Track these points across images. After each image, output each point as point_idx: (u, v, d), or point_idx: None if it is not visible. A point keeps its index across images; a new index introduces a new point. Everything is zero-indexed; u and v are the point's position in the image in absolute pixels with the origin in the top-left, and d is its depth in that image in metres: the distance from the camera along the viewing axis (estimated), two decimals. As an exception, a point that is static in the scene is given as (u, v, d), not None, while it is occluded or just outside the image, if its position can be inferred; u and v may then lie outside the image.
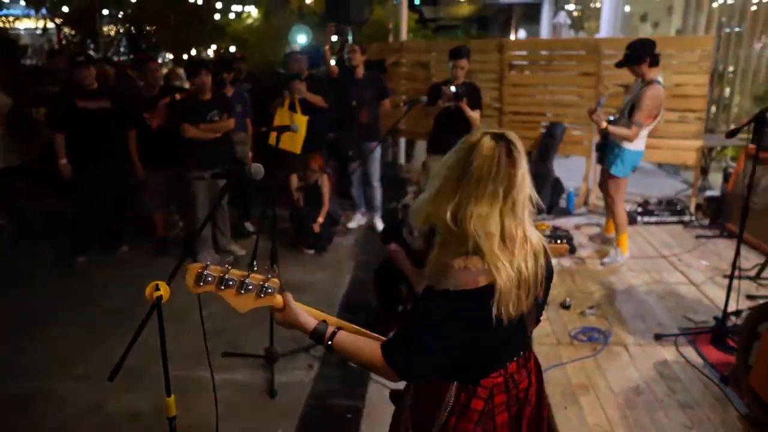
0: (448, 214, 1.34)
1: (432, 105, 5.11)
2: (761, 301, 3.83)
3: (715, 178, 6.59)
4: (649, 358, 3.34)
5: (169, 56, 16.48)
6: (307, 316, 1.51)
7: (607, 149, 4.62)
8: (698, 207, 5.98)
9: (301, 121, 5.18)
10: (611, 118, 4.69)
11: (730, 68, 8.19)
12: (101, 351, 3.65)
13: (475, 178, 1.33)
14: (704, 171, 6.37)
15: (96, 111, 4.80)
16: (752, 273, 4.28)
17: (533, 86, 6.84)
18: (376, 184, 5.86)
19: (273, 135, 3.47)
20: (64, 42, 13.71)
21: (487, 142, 1.36)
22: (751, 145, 5.18)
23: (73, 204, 5.16)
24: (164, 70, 10.64)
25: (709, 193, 6.06)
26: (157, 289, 1.80)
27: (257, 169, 1.92)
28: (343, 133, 5.83)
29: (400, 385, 1.62)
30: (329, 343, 1.46)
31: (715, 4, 8.29)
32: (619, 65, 4.60)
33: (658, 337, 3.52)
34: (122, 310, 4.19)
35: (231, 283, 1.46)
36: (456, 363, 1.40)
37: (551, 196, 6.36)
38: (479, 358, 1.43)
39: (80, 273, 4.98)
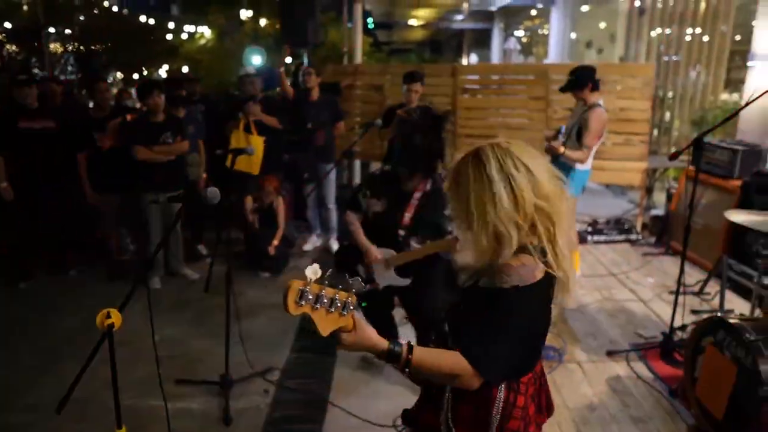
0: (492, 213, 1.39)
1: (386, 128, 5.17)
2: (705, 316, 4.02)
3: (659, 198, 6.88)
4: (602, 374, 3.42)
5: (119, 75, 16.13)
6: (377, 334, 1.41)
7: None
8: (644, 226, 6.22)
9: (257, 142, 5.14)
10: (561, 137, 4.86)
11: (670, 94, 8.61)
12: (53, 379, 3.49)
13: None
14: (648, 191, 6.64)
15: (40, 131, 4.64)
16: (696, 289, 4.45)
17: (485, 109, 7.01)
18: (332, 206, 5.86)
19: (229, 157, 3.43)
20: (6, 59, 13.26)
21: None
22: (691, 167, 5.47)
23: (16, 227, 4.94)
24: (114, 90, 10.41)
25: (653, 212, 6.31)
26: (108, 317, 1.75)
27: (213, 193, 1.90)
28: (299, 155, 5.82)
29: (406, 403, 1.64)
30: (408, 358, 1.36)
31: (653, 34, 8.74)
32: (562, 90, 4.78)
33: (611, 354, 3.61)
34: (74, 336, 4.02)
35: (325, 301, 1.30)
36: (522, 358, 1.47)
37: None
38: (536, 351, 1.53)
39: (28, 298, 4.75)
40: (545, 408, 1.64)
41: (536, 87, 6.59)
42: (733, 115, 3.56)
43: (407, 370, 1.38)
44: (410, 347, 1.38)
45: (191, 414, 3.25)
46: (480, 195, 1.40)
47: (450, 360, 1.38)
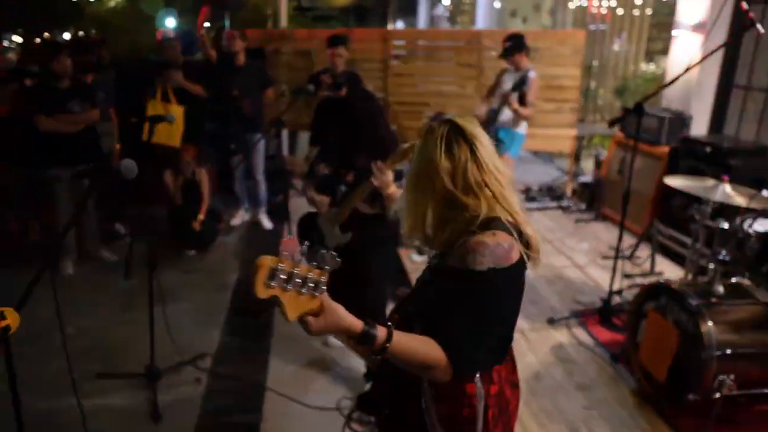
0: (448, 181, 1.31)
1: (317, 95, 4.90)
2: (637, 279, 4.11)
3: (587, 165, 7.01)
4: (545, 342, 3.41)
5: (18, 39, 14.68)
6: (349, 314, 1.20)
7: (496, 136, 4.79)
8: (574, 192, 6.32)
9: (177, 112, 4.73)
10: (494, 106, 4.86)
11: (595, 62, 8.79)
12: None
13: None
14: (576, 158, 6.74)
15: None
16: (627, 253, 4.54)
17: (416, 76, 6.84)
18: (260, 177, 5.55)
19: (146, 126, 3.06)
20: None
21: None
22: (619, 134, 5.57)
23: None
24: (10, 56, 9.42)
25: (582, 178, 6.42)
26: (2, 317, 1.46)
27: (129, 166, 1.63)
28: (224, 125, 5.44)
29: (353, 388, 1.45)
30: (386, 346, 1.19)
31: (579, 3, 8.85)
32: (503, 56, 4.78)
33: (551, 321, 3.61)
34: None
35: (298, 281, 1.10)
36: (497, 348, 1.37)
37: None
38: (510, 339, 1.41)
39: None
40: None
41: (469, 53, 6.49)
42: (671, 82, 3.57)
43: (380, 357, 1.21)
44: (390, 331, 1.20)
45: (115, 411, 2.97)
46: (435, 162, 1.32)
47: (425, 347, 1.25)
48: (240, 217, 5.72)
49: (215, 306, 4.06)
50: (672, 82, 3.55)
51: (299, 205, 6.10)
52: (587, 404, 2.86)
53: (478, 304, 1.25)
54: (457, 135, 1.32)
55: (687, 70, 3.32)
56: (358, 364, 3.21)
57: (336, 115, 4.63)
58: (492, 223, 1.28)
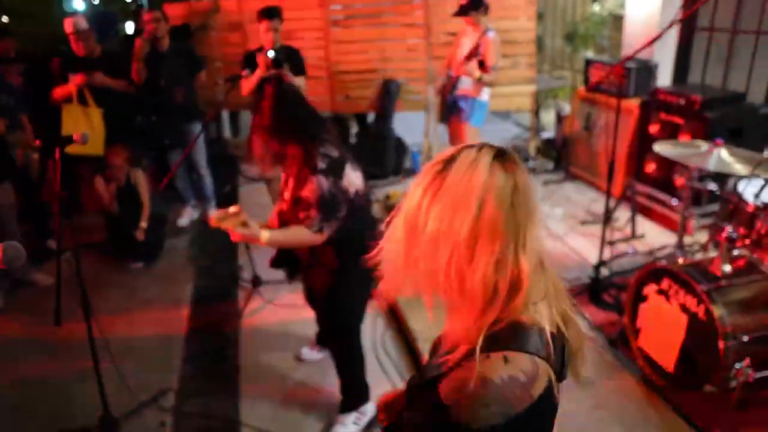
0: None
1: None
2: (620, 245, 3.91)
3: (546, 119, 6.77)
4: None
5: None
6: None
7: (458, 105, 4.50)
8: (538, 150, 6.08)
9: (96, 116, 4.18)
10: (450, 73, 4.54)
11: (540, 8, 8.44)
12: None
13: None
14: (536, 113, 6.47)
15: None
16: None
17: (361, 42, 6.36)
18: (205, 171, 5.05)
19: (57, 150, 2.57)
20: None
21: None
22: (581, 88, 5.30)
23: None
24: None
25: (545, 135, 6.18)
26: None
27: (14, 253, 1.21)
28: (155, 118, 4.89)
29: None
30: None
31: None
32: (458, 14, 4.40)
33: (538, 305, 3.37)
34: None
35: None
36: None
37: (396, 158, 6.06)
38: None
39: None
40: None
41: (415, 13, 6.04)
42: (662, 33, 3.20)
43: None
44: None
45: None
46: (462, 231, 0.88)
47: None
48: (188, 216, 5.23)
49: (171, 326, 3.65)
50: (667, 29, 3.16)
51: (250, 194, 5.67)
52: (595, 404, 2.64)
53: None
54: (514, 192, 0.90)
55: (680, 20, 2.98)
56: (332, 386, 2.87)
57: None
58: (511, 333, 0.90)
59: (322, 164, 2.26)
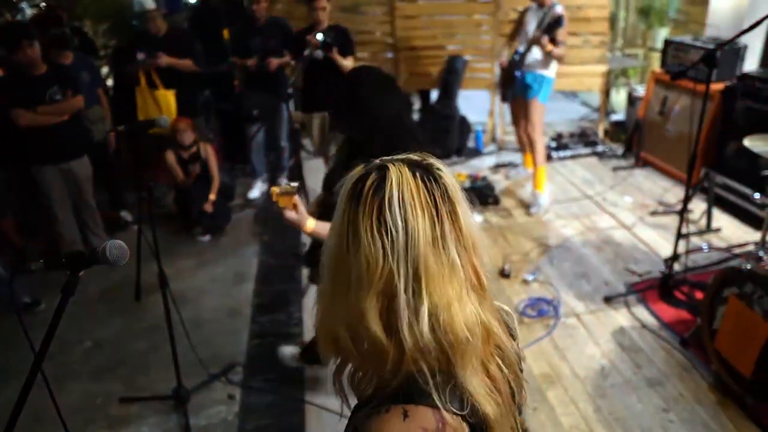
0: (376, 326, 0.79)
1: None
2: (694, 239, 3.74)
3: (617, 100, 6.50)
4: (605, 326, 3.10)
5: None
6: None
7: (524, 81, 4.41)
8: (606, 132, 5.87)
9: (166, 99, 4.29)
10: (519, 49, 4.41)
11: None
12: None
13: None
14: (606, 94, 6.22)
15: None
16: (677, 207, 4.15)
17: (429, 17, 6.23)
18: (284, 144, 5.18)
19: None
20: None
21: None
22: (658, 70, 5.04)
23: None
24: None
25: (614, 117, 5.94)
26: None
27: (117, 252, 1.27)
28: (245, 92, 4.98)
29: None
30: None
31: None
32: None
33: (608, 300, 3.29)
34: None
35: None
36: None
37: (459, 137, 5.97)
38: None
39: None
40: None
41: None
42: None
43: None
44: None
45: (143, 443, 2.73)
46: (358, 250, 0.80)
47: None
48: (258, 188, 5.34)
49: (238, 301, 3.77)
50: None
51: (312, 167, 5.74)
52: (663, 405, 2.57)
53: None
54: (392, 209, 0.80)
55: None
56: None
57: (326, 78, 4.15)
58: (418, 382, 0.79)
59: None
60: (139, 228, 2.45)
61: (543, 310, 3.24)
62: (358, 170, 0.85)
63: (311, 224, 2.15)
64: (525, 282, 3.50)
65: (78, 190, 4.05)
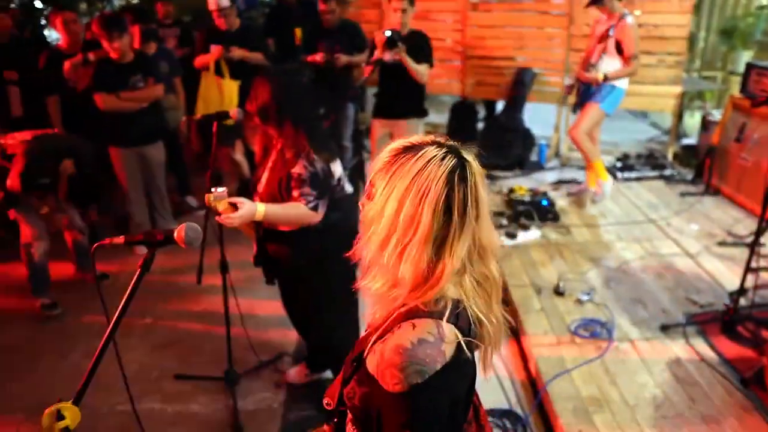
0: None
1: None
2: (764, 274, 3.57)
3: (689, 123, 6.28)
4: (660, 355, 3.00)
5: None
6: None
7: (590, 88, 4.41)
8: (675, 156, 5.68)
9: (229, 86, 4.43)
10: (591, 63, 4.35)
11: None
12: (24, 385, 3.04)
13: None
14: (679, 116, 6.02)
15: None
16: (748, 240, 3.98)
17: (500, 28, 6.20)
18: (347, 143, 5.27)
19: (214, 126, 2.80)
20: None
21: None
22: (737, 95, 4.85)
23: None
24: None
25: (685, 141, 5.74)
26: (60, 417, 1.22)
27: (194, 234, 1.36)
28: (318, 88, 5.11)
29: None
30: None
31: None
32: (591, 3, 4.27)
33: (665, 329, 3.18)
34: (50, 324, 3.56)
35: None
36: None
37: (522, 150, 5.91)
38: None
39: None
40: None
41: (557, 1, 5.80)
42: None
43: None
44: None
45: (194, 419, 2.85)
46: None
47: None
48: None
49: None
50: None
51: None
52: (718, 443, 2.48)
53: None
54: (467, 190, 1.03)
55: None
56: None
57: (397, 82, 4.15)
58: (420, 308, 1.03)
59: (314, 144, 2.34)
60: (206, 214, 2.55)
61: (596, 332, 3.17)
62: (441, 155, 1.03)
63: (261, 209, 2.21)
64: (579, 301, 3.43)
65: (150, 174, 4.26)
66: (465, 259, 1.04)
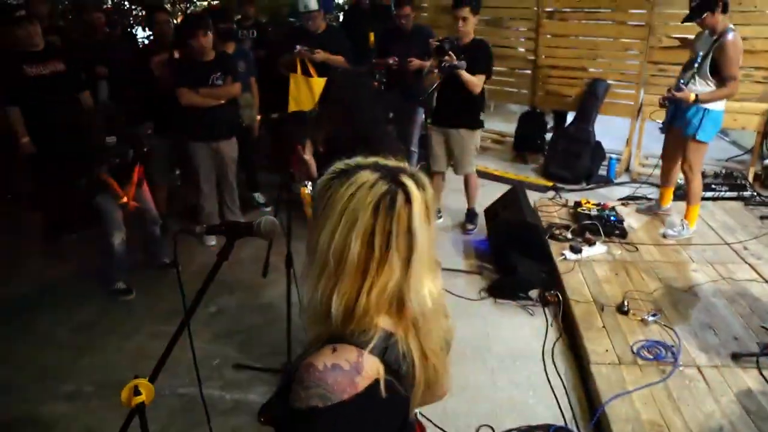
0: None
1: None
2: None
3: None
4: (729, 384, 2.86)
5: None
6: None
7: (684, 114, 4.06)
8: (757, 177, 5.39)
9: (318, 85, 4.54)
10: (681, 81, 4.05)
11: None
12: (93, 361, 3.23)
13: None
14: (764, 135, 5.70)
15: (50, 77, 4.05)
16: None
17: (574, 37, 6.09)
18: (415, 148, 5.32)
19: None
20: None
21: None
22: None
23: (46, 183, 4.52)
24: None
25: (768, 162, 5.45)
26: (137, 393, 1.31)
27: (273, 227, 1.42)
28: (384, 94, 5.19)
29: None
30: None
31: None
32: (688, 19, 3.97)
33: (736, 357, 3.03)
34: (118, 306, 3.76)
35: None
36: None
37: (591, 163, 5.76)
38: None
39: (64, 257, 4.42)
40: None
41: (637, 11, 5.62)
42: None
43: None
44: None
45: (251, 409, 2.93)
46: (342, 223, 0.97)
47: None
48: None
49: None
50: None
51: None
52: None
53: None
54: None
55: None
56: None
57: (452, 92, 4.14)
58: (351, 334, 0.96)
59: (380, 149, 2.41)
60: (276, 209, 2.64)
61: (660, 354, 3.06)
62: (373, 180, 0.97)
63: None
64: (644, 322, 3.32)
65: (223, 169, 4.43)
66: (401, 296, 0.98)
